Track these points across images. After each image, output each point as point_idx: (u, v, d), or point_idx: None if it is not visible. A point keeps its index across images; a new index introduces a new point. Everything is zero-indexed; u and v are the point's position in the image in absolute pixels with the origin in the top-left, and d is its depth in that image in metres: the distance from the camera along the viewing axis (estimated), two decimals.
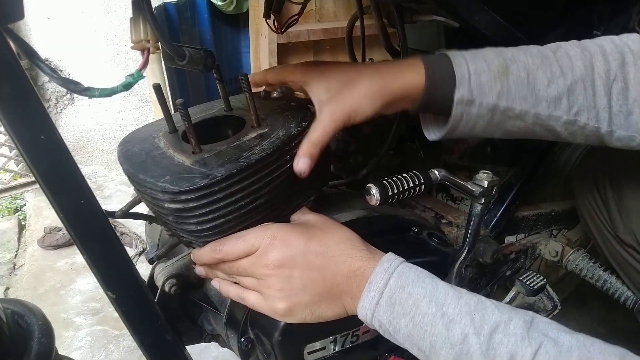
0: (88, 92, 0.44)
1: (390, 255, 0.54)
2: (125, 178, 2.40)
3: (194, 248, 0.58)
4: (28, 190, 2.36)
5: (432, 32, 0.76)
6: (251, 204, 0.53)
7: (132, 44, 0.46)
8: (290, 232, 0.54)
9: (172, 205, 0.50)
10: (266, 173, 0.53)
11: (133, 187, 0.56)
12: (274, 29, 0.69)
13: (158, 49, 0.46)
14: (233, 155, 0.51)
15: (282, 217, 0.60)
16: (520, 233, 0.98)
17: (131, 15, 0.46)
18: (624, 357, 0.41)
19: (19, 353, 0.52)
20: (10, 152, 2.34)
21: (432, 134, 0.59)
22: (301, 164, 0.53)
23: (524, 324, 0.44)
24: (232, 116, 0.61)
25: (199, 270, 0.62)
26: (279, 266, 0.52)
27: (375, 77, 0.54)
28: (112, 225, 0.53)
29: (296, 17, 0.66)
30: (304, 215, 0.60)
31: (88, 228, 0.47)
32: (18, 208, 2.33)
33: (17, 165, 2.38)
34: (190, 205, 0.49)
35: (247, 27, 2.15)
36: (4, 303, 0.61)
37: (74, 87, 0.44)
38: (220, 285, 0.60)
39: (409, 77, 0.54)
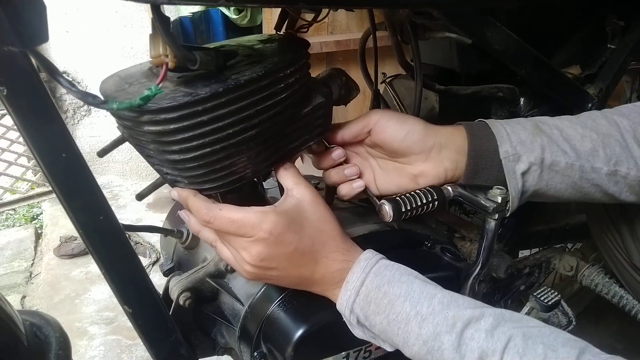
0: (106, 105, 0.45)
1: (368, 253, 0.55)
2: (139, 187, 2.44)
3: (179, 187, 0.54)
4: (45, 200, 2.40)
5: (445, 47, 0.77)
6: (240, 134, 0.49)
7: (151, 59, 0.47)
8: (287, 230, 0.52)
9: (152, 128, 0.46)
10: (257, 99, 0.49)
11: (116, 124, 0.53)
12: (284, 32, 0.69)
13: (175, 63, 0.46)
14: (221, 77, 0.47)
15: (277, 158, 0.57)
16: (534, 247, 0.97)
17: (150, 32, 0.47)
18: (583, 350, 0.43)
19: None
20: (29, 162, 2.39)
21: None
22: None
23: (494, 320, 0.46)
24: (222, 50, 0.55)
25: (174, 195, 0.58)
26: (262, 259, 0.53)
27: (452, 150, 0.60)
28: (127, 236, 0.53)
29: (306, 27, 0.66)
30: (298, 189, 0.56)
31: (106, 243, 0.48)
32: (35, 216, 2.37)
33: (35, 175, 2.42)
34: (172, 127, 0.46)
35: None
36: (22, 315, 0.62)
37: (92, 100, 0.45)
38: (192, 223, 0.58)
39: (453, 133, 0.60)
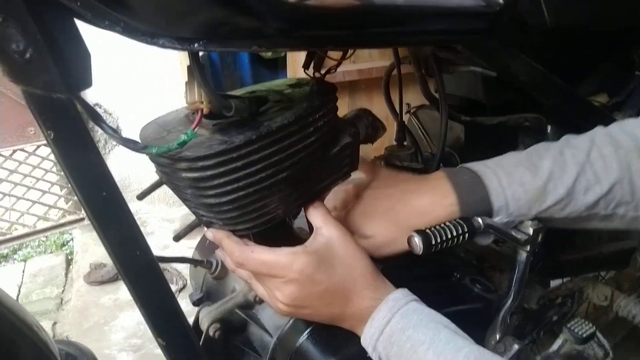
0: (146, 150, 0.47)
1: (398, 294, 0.54)
2: (167, 214, 2.46)
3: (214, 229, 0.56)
4: (75, 227, 2.47)
5: (470, 79, 0.77)
6: (272, 177, 0.51)
7: (187, 105, 0.49)
8: (317, 270, 0.53)
9: (190, 175, 0.48)
10: (288, 144, 0.51)
11: (155, 168, 0.55)
12: (312, 77, 0.71)
13: (211, 110, 0.49)
14: (254, 124, 0.50)
15: (307, 198, 0.58)
16: (567, 276, 0.95)
17: (186, 80, 0.49)
18: None
19: None
20: (61, 190, 2.47)
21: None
22: None
23: None
24: (254, 97, 0.58)
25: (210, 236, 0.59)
26: (295, 299, 0.54)
27: (409, 217, 0.58)
28: None
29: (335, 68, 0.69)
30: (327, 228, 0.56)
31: (142, 277, 0.49)
32: (65, 243, 2.44)
33: (67, 203, 2.50)
34: (208, 173, 0.48)
35: (285, 70, 2.23)
36: (59, 344, 0.64)
37: (133, 146, 0.47)
38: (228, 262, 0.59)
39: (442, 209, 0.57)
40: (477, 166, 0.58)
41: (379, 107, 0.89)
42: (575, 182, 0.55)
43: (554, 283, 0.97)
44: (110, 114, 2.41)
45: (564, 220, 0.58)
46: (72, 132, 0.44)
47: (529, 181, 0.55)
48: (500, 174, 0.56)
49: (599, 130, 0.58)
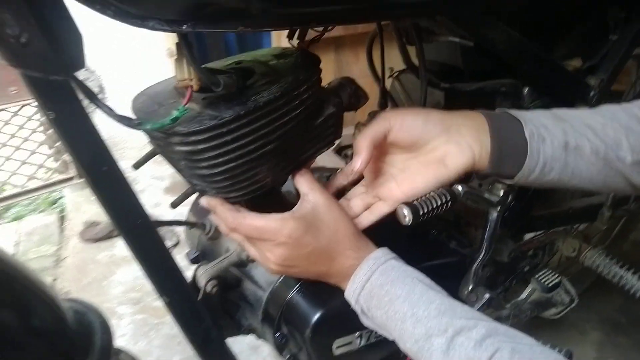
0: (141, 126, 0.50)
1: (378, 253, 0.59)
2: (156, 172, 2.46)
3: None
4: (66, 186, 2.48)
5: (450, 47, 0.79)
6: (261, 149, 0.55)
7: (177, 83, 0.52)
8: (305, 233, 0.57)
9: (183, 148, 0.51)
10: (275, 117, 0.54)
11: (148, 140, 0.59)
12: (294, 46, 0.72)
13: (200, 86, 0.51)
14: (242, 99, 0.53)
15: (294, 166, 0.62)
16: (539, 230, 1.01)
17: (175, 57, 0.51)
18: None
19: (84, 347, 0.59)
20: (49, 149, 2.46)
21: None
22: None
23: (486, 331, 0.48)
24: (240, 67, 0.60)
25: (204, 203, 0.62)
26: (285, 260, 0.58)
27: (472, 127, 0.56)
28: None
29: (319, 37, 0.70)
30: (313, 194, 0.59)
31: (146, 245, 0.54)
32: (55, 201, 2.46)
33: (56, 162, 2.50)
34: (200, 147, 0.51)
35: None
36: (66, 302, 0.69)
37: (128, 122, 0.50)
38: (222, 227, 0.63)
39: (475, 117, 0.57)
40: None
41: (364, 64, 0.91)
42: (587, 117, 0.56)
43: (528, 236, 1.03)
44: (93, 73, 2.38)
45: (598, 166, 0.56)
46: (71, 112, 0.47)
47: (541, 111, 0.57)
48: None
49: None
